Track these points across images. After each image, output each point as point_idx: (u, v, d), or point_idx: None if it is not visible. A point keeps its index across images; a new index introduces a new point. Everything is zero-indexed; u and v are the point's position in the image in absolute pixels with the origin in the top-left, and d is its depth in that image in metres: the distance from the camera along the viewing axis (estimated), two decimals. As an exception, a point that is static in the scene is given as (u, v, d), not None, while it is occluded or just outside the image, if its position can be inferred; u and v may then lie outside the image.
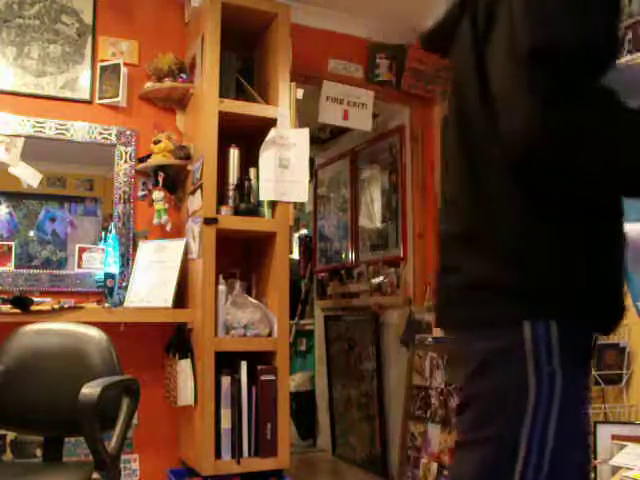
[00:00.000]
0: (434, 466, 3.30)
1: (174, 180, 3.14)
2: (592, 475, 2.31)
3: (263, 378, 2.81)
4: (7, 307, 2.54)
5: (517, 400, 1.07)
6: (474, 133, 1.16)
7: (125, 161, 3.11)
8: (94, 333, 2.25)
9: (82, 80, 3.09)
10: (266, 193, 2.93)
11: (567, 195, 1.08)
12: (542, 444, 1.06)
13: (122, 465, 2.85)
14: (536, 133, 0.98)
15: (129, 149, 3.12)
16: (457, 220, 1.23)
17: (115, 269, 2.93)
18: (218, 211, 2.84)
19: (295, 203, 3.10)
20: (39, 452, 2.71)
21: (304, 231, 5.94)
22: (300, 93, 3.11)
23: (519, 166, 1.07)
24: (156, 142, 3.05)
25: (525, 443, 1.06)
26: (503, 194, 1.12)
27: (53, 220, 3.01)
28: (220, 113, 2.85)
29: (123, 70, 3.10)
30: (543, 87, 0.97)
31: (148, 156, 3.08)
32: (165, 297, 2.82)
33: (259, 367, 2.82)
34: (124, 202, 3.09)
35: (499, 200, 1.12)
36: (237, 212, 2.91)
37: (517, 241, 1.10)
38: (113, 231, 2.99)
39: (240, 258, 3.21)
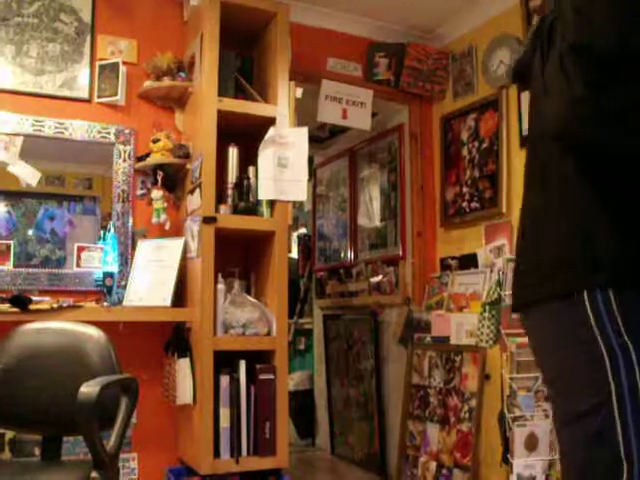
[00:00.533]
0: (433, 465, 3.30)
1: (173, 179, 3.14)
2: None
3: (262, 377, 2.81)
4: (6, 306, 2.54)
5: (598, 374, 1.10)
6: (546, 146, 1.27)
7: (124, 160, 3.11)
8: (93, 332, 2.25)
9: (81, 79, 3.09)
10: (265, 192, 2.93)
11: (616, 173, 1.15)
12: (636, 414, 1.08)
13: (121, 464, 2.85)
14: (572, 114, 1.13)
15: (128, 148, 3.11)
16: (527, 212, 1.35)
17: (114, 268, 2.93)
18: (217, 210, 2.84)
19: (294, 202, 3.10)
20: (38, 451, 2.71)
21: (303, 230, 5.94)
22: (299, 92, 3.11)
23: (565, 148, 1.19)
24: (155, 141, 3.05)
25: (619, 415, 1.09)
26: (563, 180, 1.21)
27: (52, 219, 3.01)
28: (219, 112, 2.85)
29: (122, 69, 3.10)
30: (581, 77, 1.10)
31: (147, 155, 3.08)
32: (164, 296, 2.82)
33: (258, 366, 2.82)
34: (123, 201, 3.09)
35: (560, 186, 1.22)
36: (236, 211, 2.91)
37: (572, 218, 1.18)
38: (112, 230, 2.99)
39: (239, 257, 3.21)
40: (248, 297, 2.96)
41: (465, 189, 3.68)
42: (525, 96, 3.30)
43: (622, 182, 1.15)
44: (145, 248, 3.01)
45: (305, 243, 5.51)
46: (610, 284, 1.11)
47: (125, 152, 3.11)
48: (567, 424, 1.19)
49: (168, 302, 2.80)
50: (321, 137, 4.93)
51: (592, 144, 1.14)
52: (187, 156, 3.04)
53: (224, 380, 2.77)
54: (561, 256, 1.19)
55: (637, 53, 1.07)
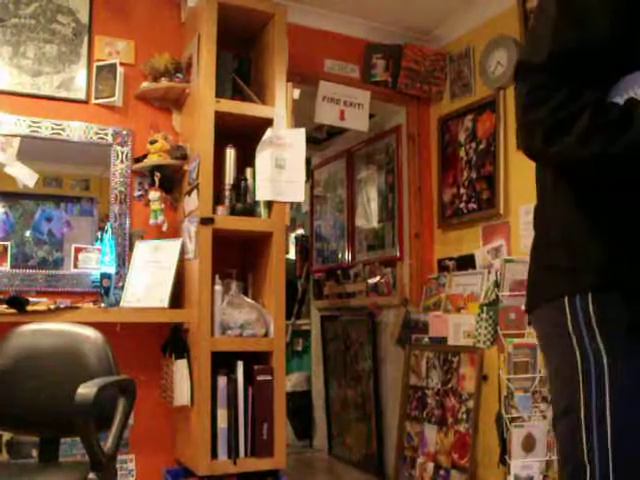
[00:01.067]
0: (430, 466, 3.30)
1: (170, 180, 3.14)
2: None
3: (259, 378, 2.81)
4: (3, 307, 2.53)
5: (572, 377, 1.14)
6: None
7: (121, 161, 3.10)
8: (90, 333, 2.25)
9: (78, 80, 3.08)
10: (262, 193, 2.93)
11: (587, 181, 1.19)
12: (600, 419, 1.09)
13: (118, 465, 2.85)
14: (520, 133, 1.24)
15: (125, 149, 3.11)
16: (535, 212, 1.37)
17: (111, 269, 2.92)
18: (214, 211, 2.84)
19: (291, 203, 3.10)
20: (35, 452, 2.70)
21: (301, 231, 5.94)
22: (296, 93, 3.11)
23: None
24: (152, 142, 3.05)
25: (585, 418, 1.11)
26: (544, 187, 1.29)
27: (49, 220, 3.00)
28: (216, 113, 2.85)
29: (119, 70, 3.10)
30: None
31: (144, 156, 3.08)
32: (161, 297, 2.82)
33: (255, 367, 2.82)
34: (120, 202, 3.09)
35: (547, 191, 1.29)
36: (233, 212, 2.91)
37: (556, 224, 1.23)
38: (109, 231, 2.99)
39: (236, 258, 3.21)
40: (245, 298, 2.96)
41: (462, 190, 3.69)
42: (522, 97, 3.31)
43: (589, 187, 1.18)
44: (142, 249, 3.00)
45: (303, 244, 5.51)
46: (589, 289, 1.14)
47: (122, 153, 3.11)
48: (555, 419, 1.23)
49: (165, 303, 2.80)
50: (318, 138, 4.93)
51: (539, 155, 1.23)
52: (184, 157, 3.03)
53: (222, 381, 2.77)
54: (548, 262, 1.23)
55: (570, 61, 1.14)
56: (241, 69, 3.13)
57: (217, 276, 2.86)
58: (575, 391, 1.13)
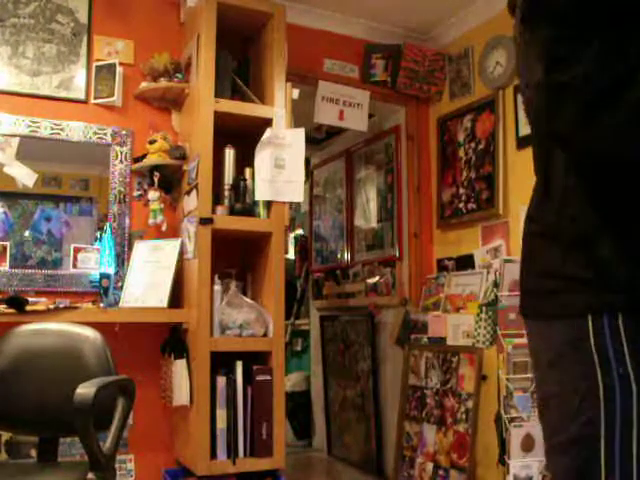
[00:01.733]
0: (429, 466, 3.30)
1: (170, 180, 3.14)
2: None
3: (259, 378, 2.81)
4: (2, 307, 2.53)
5: (591, 403, 1.00)
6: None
7: (120, 161, 3.10)
8: (89, 333, 2.25)
9: (77, 80, 3.08)
10: (262, 193, 2.93)
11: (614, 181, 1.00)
12: (624, 455, 0.96)
13: (117, 465, 2.85)
14: (540, 100, 0.98)
15: (124, 149, 3.11)
16: (533, 207, 1.16)
17: (110, 269, 2.92)
18: (214, 211, 2.84)
19: (291, 203, 3.10)
20: (34, 452, 2.70)
21: (300, 231, 5.94)
22: (296, 93, 3.11)
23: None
24: (151, 142, 3.05)
25: (605, 452, 0.97)
26: (557, 176, 1.06)
27: (48, 220, 3.00)
28: (216, 113, 2.85)
29: (118, 70, 3.10)
30: (537, 41, 0.96)
31: (143, 156, 3.08)
32: (160, 297, 2.82)
33: (255, 367, 2.82)
34: (119, 202, 3.09)
35: (554, 182, 1.07)
36: (233, 212, 2.91)
37: (578, 227, 1.03)
38: (108, 231, 2.99)
39: (236, 258, 3.21)
40: (245, 298, 2.96)
41: (462, 190, 3.69)
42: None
43: (617, 186, 1.00)
44: (142, 249, 3.00)
45: (302, 244, 5.51)
46: (619, 309, 0.98)
47: (122, 153, 3.11)
48: (553, 449, 1.09)
49: (164, 303, 2.80)
50: (318, 138, 4.93)
51: (568, 138, 0.96)
52: (184, 157, 3.03)
53: (221, 381, 2.77)
54: (557, 269, 1.05)
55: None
56: (240, 69, 3.13)
57: (216, 276, 2.86)
58: (593, 421, 0.99)
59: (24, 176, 2.94)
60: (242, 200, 2.95)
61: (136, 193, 3.14)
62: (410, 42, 3.87)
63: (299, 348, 5.61)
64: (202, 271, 2.75)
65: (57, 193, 3.05)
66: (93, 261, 2.95)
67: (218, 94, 2.89)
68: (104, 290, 2.86)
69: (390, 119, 4.15)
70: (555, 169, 1.07)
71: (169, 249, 2.95)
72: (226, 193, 2.96)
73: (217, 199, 2.90)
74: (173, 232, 3.07)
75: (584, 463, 1.00)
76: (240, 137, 3.07)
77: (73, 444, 2.79)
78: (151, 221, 3.03)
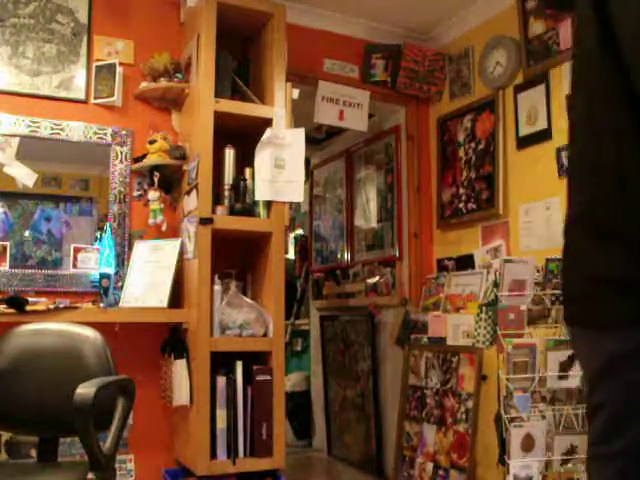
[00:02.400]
0: (429, 466, 3.30)
1: (170, 180, 3.14)
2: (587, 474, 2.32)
3: (259, 378, 2.81)
4: (2, 307, 2.53)
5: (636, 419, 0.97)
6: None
7: (120, 161, 3.10)
8: (89, 333, 2.25)
9: (77, 80, 3.08)
10: (262, 193, 2.93)
11: None
12: None
13: (117, 465, 2.85)
14: None
15: (124, 149, 3.11)
16: (578, 195, 1.07)
17: (110, 269, 2.92)
18: (214, 211, 2.84)
19: (291, 203, 3.10)
20: (34, 452, 2.70)
21: (300, 231, 5.94)
22: (296, 93, 3.11)
23: None
24: (151, 142, 3.05)
25: None
26: (625, 152, 0.97)
27: (48, 220, 3.00)
28: (216, 113, 2.85)
29: (118, 70, 3.10)
30: None
31: (143, 156, 3.08)
32: (160, 297, 2.82)
33: (255, 367, 2.82)
34: (119, 202, 3.09)
35: (621, 163, 0.97)
36: (233, 212, 2.91)
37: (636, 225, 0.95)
38: (108, 231, 2.99)
39: (236, 258, 3.21)
40: (245, 298, 2.96)
41: (462, 190, 3.69)
42: (521, 97, 3.30)
43: None
44: (142, 249, 3.00)
45: (302, 244, 5.51)
46: None
47: (122, 153, 3.11)
48: (596, 458, 1.06)
49: (164, 303, 2.80)
50: (318, 138, 4.93)
51: None
52: (184, 157, 3.03)
53: (221, 381, 2.77)
54: (613, 271, 0.98)
55: None
56: (240, 69, 3.13)
57: (216, 276, 2.85)
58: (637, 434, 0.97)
59: (24, 176, 2.94)
60: (242, 200, 2.95)
61: (136, 193, 3.14)
62: (410, 42, 3.87)
63: (299, 348, 5.61)
64: (202, 271, 2.75)
65: (57, 193, 3.05)
66: (93, 261, 2.95)
67: (218, 94, 2.89)
68: (104, 290, 2.86)
69: (390, 119, 4.15)
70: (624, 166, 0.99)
71: (169, 249, 2.95)
72: (226, 193, 2.96)
73: (217, 199, 2.90)
74: (173, 232, 3.07)
75: (630, 478, 0.97)
76: (240, 137, 3.07)
77: (73, 444, 2.79)
78: (151, 221, 3.03)
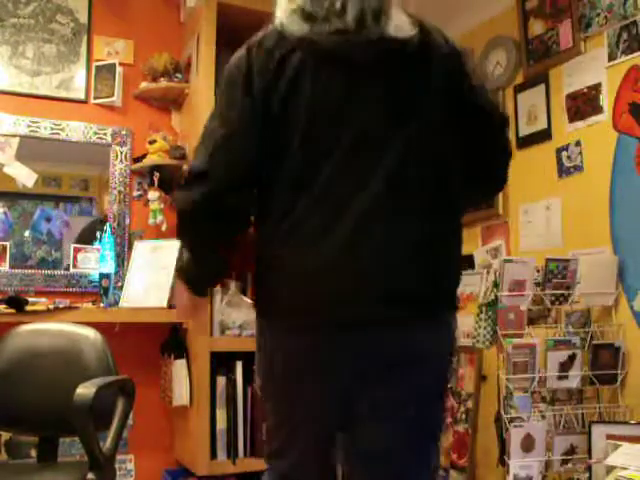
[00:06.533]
0: (429, 466, 3.29)
1: (170, 180, 3.14)
2: (587, 474, 2.32)
3: (258, 378, 2.80)
4: (2, 307, 2.53)
5: None
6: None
7: (120, 161, 3.10)
8: (89, 333, 2.25)
9: (77, 80, 3.08)
10: (262, 193, 2.93)
11: None
12: None
13: (117, 465, 2.85)
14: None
15: (124, 149, 3.11)
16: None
17: (110, 269, 2.92)
18: (214, 211, 2.83)
19: (291, 203, 3.09)
20: (34, 452, 2.70)
21: (300, 231, 5.93)
22: (296, 93, 3.10)
23: None
24: (151, 142, 3.05)
25: None
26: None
27: (48, 220, 3.00)
28: (216, 113, 2.85)
29: (118, 70, 3.10)
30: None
31: (143, 156, 3.08)
32: (160, 297, 2.82)
33: (255, 367, 2.81)
34: (119, 202, 3.09)
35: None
36: (233, 212, 2.91)
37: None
38: (108, 231, 2.99)
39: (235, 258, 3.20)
40: (244, 298, 2.96)
41: (462, 190, 3.68)
42: (521, 97, 3.30)
43: None
44: (141, 249, 3.00)
45: (302, 244, 5.50)
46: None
47: (122, 153, 3.11)
48: None
49: (164, 303, 2.79)
50: (318, 138, 4.92)
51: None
52: (184, 157, 3.03)
53: (221, 381, 2.77)
54: None
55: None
56: (240, 69, 3.13)
57: (216, 276, 2.85)
58: None
59: (24, 176, 2.94)
60: (242, 200, 2.94)
61: (136, 193, 3.14)
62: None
63: (299, 348, 5.59)
64: (202, 271, 2.74)
65: (57, 193, 3.05)
66: (93, 261, 2.95)
67: (218, 94, 2.88)
68: (104, 290, 2.86)
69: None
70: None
71: (169, 249, 2.95)
72: (226, 193, 2.95)
73: (217, 199, 2.89)
74: (173, 232, 3.07)
75: None
76: (240, 137, 3.06)
77: (73, 444, 2.78)
78: (151, 221, 3.03)
